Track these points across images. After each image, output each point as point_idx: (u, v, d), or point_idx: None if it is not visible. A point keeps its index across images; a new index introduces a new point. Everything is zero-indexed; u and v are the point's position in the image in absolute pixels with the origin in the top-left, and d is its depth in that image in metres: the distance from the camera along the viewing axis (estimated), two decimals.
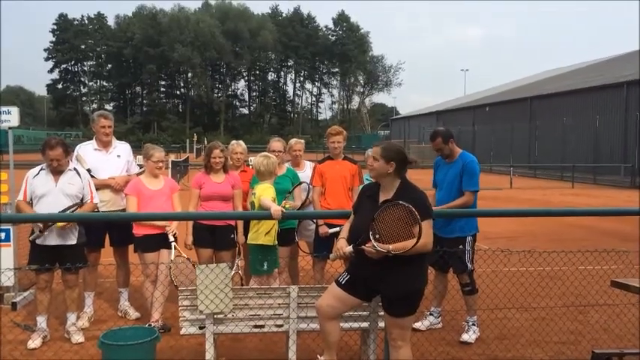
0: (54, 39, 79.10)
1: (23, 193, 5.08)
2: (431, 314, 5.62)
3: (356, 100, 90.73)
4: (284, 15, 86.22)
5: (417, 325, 5.52)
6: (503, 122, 38.47)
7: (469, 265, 5.26)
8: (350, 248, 3.63)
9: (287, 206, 4.97)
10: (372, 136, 68.29)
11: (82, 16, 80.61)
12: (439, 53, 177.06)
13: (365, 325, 4.25)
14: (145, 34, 73.75)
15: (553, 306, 5.64)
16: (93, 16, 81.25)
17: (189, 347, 4.83)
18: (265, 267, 5.00)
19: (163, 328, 5.23)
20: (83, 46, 79.59)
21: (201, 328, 4.18)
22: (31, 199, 5.06)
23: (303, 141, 6.42)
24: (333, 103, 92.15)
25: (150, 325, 5.05)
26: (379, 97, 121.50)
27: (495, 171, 33.87)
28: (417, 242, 3.37)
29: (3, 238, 6.03)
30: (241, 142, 6.44)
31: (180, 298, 4.15)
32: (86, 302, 5.75)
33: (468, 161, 5.30)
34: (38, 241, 4.92)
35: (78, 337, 5.13)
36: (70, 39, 77.49)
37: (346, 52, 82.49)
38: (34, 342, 4.96)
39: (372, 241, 3.44)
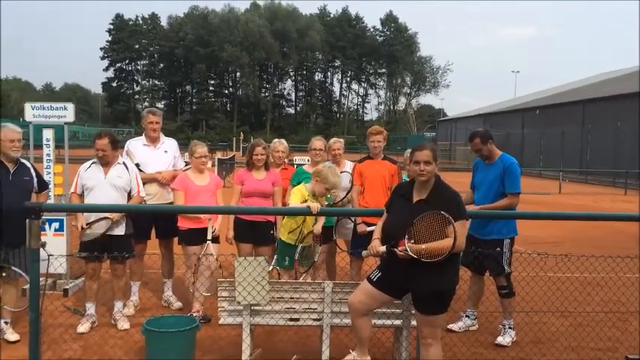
0: (110, 38, 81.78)
1: (75, 186, 5.39)
2: (467, 316, 5.62)
3: (402, 101, 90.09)
4: (332, 15, 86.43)
5: (452, 326, 5.54)
6: (553, 126, 37.47)
7: (506, 268, 5.23)
8: (383, 248, 3.70)
9: (328, 195, 5.29)
10: (418, 137, 67.64)
11: (137, 17, 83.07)
12: (489, 54, 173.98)
13: (398, 322, 4.31)
14: (196, 34, 75.34)
15: (591, 312, 5.53)
16: (147, 17, 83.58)
17: (227, 338, 4.98)
18: (287, 262, 5.22)
19: (204, 318, 5.43)
20: (137, 46, 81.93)
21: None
22: (82, 192, 5.36)
23: (342, 140, 6.51)
24: (379, 104, 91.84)
25: (191, 314, 5.25)
26: (426, 99, 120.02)
27: (545, 175, 33.10)
28: (454, 242, 3.42)
29: (57, 227, 6.37)
30: (283, 140, 6.60)
31: (220, 289, 4.31)
32: (132, 291, 6.02)
33: (509, 163, 5.27)
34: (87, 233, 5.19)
35: (124, 324, 5.38)
36: (124, 39, 79.95)
37: (393, 53, 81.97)
38: (83, 326, 5.25)
39: (407, 242, 3.50)
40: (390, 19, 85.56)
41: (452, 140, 53.44)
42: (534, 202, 16.79)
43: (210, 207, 5.40)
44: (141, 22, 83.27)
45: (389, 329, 4.60)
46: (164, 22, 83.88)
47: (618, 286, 5.13)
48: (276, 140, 6.59)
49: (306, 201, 5.05)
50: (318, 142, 6.13)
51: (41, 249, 3.80)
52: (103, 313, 5.64)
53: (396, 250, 3.55)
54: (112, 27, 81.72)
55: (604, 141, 32.15)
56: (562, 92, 46.68)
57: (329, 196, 5.49)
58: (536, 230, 10.68)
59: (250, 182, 5.72)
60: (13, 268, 4.87)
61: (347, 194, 5.84)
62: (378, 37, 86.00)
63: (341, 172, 5.91)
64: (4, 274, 4.89)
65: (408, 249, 3.48)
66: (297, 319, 4.31)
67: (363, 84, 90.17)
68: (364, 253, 3.90)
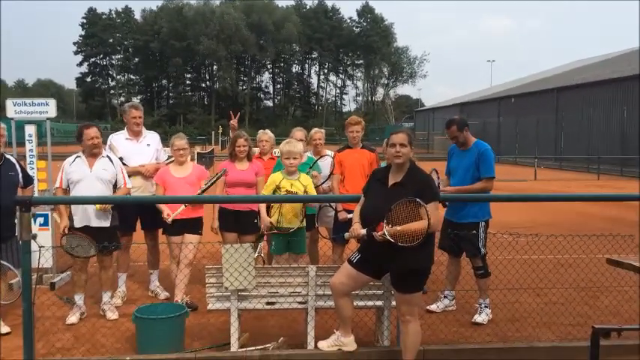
0: (83, 33, 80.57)
1: (60, 181, 5.47)
2: (445, 297, 5.85)
3: (380, 92, 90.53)
4: (308, 7, 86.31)
5: (432, 307, 5.77)
6: (528, 114, 38.11)
7: (482, 250, 5.46)
8: (364, 231, 3.88)
9: (311, 174, 5.65)
10: (396, 127, 68.09)
11: (110, 10, 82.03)
12: (465, 44, 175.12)
13: (379, 303, 4.51)
14: (171, 28, 74.62)
15: (561, 288, 5.81)
16: (120, 10, 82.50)
17: (216, 324, 5.14)
18: (273, 247, 5.54)
19: (190, 306, 5.56)
20: (111, 40, 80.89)
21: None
22: (68, 186, 5.44)
23: (323, 131, 6.69)
24: (357, 95, 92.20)
25: (176, 302, 5.39)
26: (404, 89, 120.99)
27: (520, 163, 33.71)
28: (429, 223, 3.62)
29: (42, 222, 6.44)
30: (267, 130, 6.78)
31: (207, 276, 4.46)
32: (119, 282, 6.13)
33: (484, 149, 5.49)
34: (76, 223, 5.29)
35: (112, 314, 5.50)
36: (98, 33, 78.86)
37: (370, 44, 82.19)
38: (72, 317, 5.36)
39: (385, 226, 3.68)
40: (366, 10, 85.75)
41: (429, 130, 53.95)
42: (510, 189, 17.16)
43: (187, 197, 5.49)
44: (114, 15, 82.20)
45: (371, 311, 4.80)
46: (138, 16, 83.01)
47: (590, 267, 5.39)
48: (261, 131, 6.77)
49: (277, 187, 5.26)
50: (298, 133, 6.31)
51: (33, 241, 3.89)
52: (91, 304, 5.74)
53: (374, 233, 3.74)
54: (84, 21, 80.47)
55: (577, 128, 32.83)
56: (536, 80, 47.41)
57: (313, 175, 5.72)
58: (511, 216, 10.99)
59: (233, 173, 5.87)
60: (1, 262, 4.95)
61: (326, 180, 6.02)
62: (354, 29, 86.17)
63: (320, 157, 6.13)
64: None
65: (386, 233, 3.67)
66: (273, 303, 4.47)
67: (340, 75, 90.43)
68: (346, 235, 4.09)
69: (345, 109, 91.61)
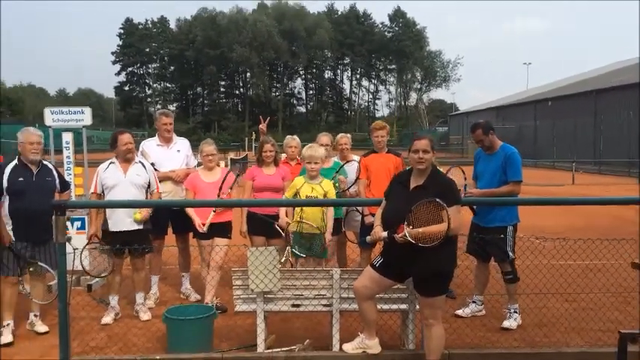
0: (120, 43, 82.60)
1: (94, 186, 5.68)
2: (473, 302, 5.81)
3: (413, 96, 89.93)
4: (339, 13, 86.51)
5: (460, 312, 5.75)
6: (566, 117, 37.32)
7: (510, 254, 5.42)
8: (385, 234, 3.93)
9: (337, 178, 5.78)
10: (429, 132, 67.63)
11: (146, 20, 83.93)
12: (501, 47, 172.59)
13: (403, 307, 4.54)
14: (205, 36, 75.86)
15: (593, 296, 5.71)
16: (156, 20, 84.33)
17: (243, 326, 5.24)
18: (296, 251, 5.54)
19: (220, 308, 5.68)
20: (147, 49, 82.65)
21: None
22: (102, 191, 5.64)
23: (349, 135, 6.75)
24: (390, 100, 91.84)
25: (206, 304, 5.51)
26: (437, 94, 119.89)
27: (558, 167, 32.99)
28: (442, 239, 3.64)
29: (79, 226, 6.67)
30: (295, 137, 6.88)
31: (234, 278, 4.57)
32: (152, 284, 6.30)
33: (510, 152, 5.46)
34: (110, 227, 5.48)
35: (145, 315, 5.67)
36: (135, 42, 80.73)
37: (403, 49, 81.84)
38: (107, 318, 5.55)
39: (406, 228, 3.72)
40: (398, 15, 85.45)
41: (464, 134, 53.30)
42: (547, 194, 16.87)
43: (213, 200, 5.62)
44: (150, 25, 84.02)
45: (397, 314, 4.82)
46: (173, 25, 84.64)
47: (620, 271, 5.29)
48: (289, 137, 6.87)
49: (298, 192, 5.33)
50: (324, 138, 6.40)
51: (68, 243, 4.06)
52: (124, 305, 5.92)
53: (395, 235, 3.78)
54: (122, 31, 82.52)
55: (617, 131, 31.99)
56: (574, 83, 46.43)
57: (336, 185, 5.78)
58: (546, 220, 10.82)
59: (261, 178, 5.98)
60: (39, 263, 5.16)
61: (353, 184, 6.07)
62: (386, 33, 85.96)
63: (347, 162, 6.20)
64: (31, 270, 5.18)
65: (407, 234, 3.70)
66: (298, 305, 4.54)
67: (373, 80, 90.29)
68: (368, 238, 4.15)
69: (378, 114, 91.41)
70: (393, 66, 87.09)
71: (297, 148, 6.58)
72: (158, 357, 4.37)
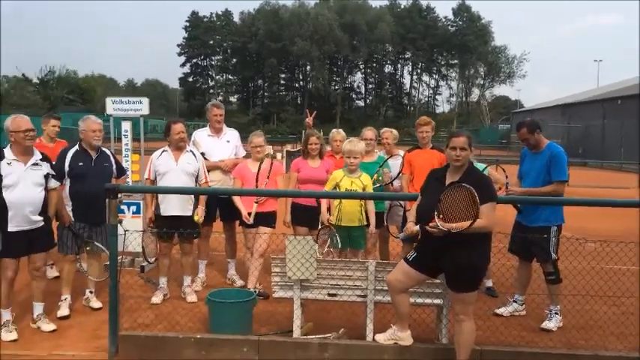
0: (186, 35, 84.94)
1: (148, 172, 6.00)
2: (514, 301, 5.76)
3: (476, 92, 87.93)
4: (402, 7, 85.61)
5: (500, 310, 5.72)
6: (636, 117, 35.58)
7: (553, 255, 5.34)
8: (417, 227, 3.99)
9: (379, 177, 5.88)
10: (491, 129, 66.06)
11: (211, 14, 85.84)
12: (571, 43, 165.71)
13: (437, 301, 4.57)
14: (267, 29, 76.86)
15: (630, 296, 5.53)
16: (220, 13, 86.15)
17: (283, 313, 5.41)
18: (335, 242, 5.66)
19: (261, 294, 5.89)
20: (211, 42, 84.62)
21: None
22: (155, 178, 5.95)
23: (393, 130, 6.80)
24: (451, 95, 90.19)
25: (248, 289, 5.73)
26: (501, 90, 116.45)
27: (625, 169, 31.55)
28: (472, 223, 3.66)
29: (135, 210, 7.03)
30: (340, 130, 6.98)
31: (272, 265, 4.74)
32: (200, 269, 6.59)
33: (556, 152, 5.37)
34: (161, 211, 5.79)
35: (192, 297, 5.95)
36: (200, 35, 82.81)
37: (466, 43, 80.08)
38: (156, 298, 5.87)
39: (436, 219, 3.78)
40: (462, 9, 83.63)
41: None
42: (609, 197, 16.21)
43: (259, 190, 5.84)
44: (215, 18, 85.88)
45: (432, 309, 4.86)
46: (237, 18, 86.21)
47: None
48: (334, 130, 6.99)
49: (337, 185, 5.42)
50: (368, 132, 6.46)
51: (119, 225, 4.34)
52: (174, 287, 6.22)
53: (426, 227, 3.83)
54: (187, 24, 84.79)
55: None
56: None
57: (380, 178, 5.86)
58: (595, 222, 10.46)
59: (306, 170, 6.13)
60: (96, 243, 5.51)
61: (394, 179, 6.13)
62: (449, 28, 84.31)
63: (391, 156, 6.26)
64: (88, 249, 5.54)
65: (438, 224, 3.75)
66: (334, 295, 4.67)
67: (434, 75, 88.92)
68: (401, 235, 4.23)
69: (439, 110, 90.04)
70: (456, 61, 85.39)
71: (342, 141, 6.67)
72: (198, 335, 4.60)
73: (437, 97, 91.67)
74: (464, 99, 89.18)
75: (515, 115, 67.33)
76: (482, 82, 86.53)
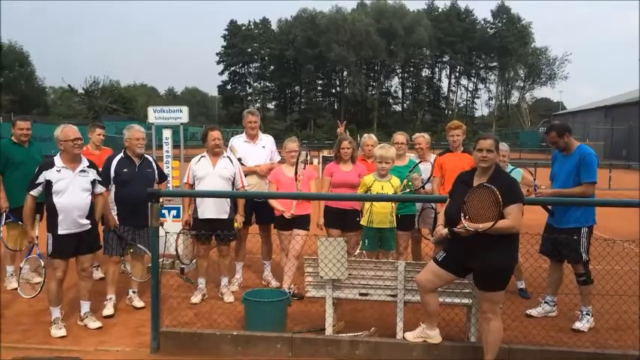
0: (225, 44, 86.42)
1: (187, 177, 6.28)
2: (546, 302, 5.79)
3: (515, 95, 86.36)
4: (440, 10, 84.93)
5: (531, 311, 5.76)
6: None
7: (584, 256, 5.35)
8: (446, 230, 4.11)
9: (409, 183, 6.00)
10: (530, 133, 64.77)
11: (249, 22, 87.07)
12: (617, 43, 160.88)
13: (466, 301, 4.67)
14: (305, 36, 77.43)
15: None
16: (258, 21, 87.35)
17: (317, 313, 5.57)
18: (367, 244, 5.85)
19: (296, 295, 6.08)
20: (249, 50, 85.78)
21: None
22: (194, 182, 6.22)
23: (425, 135, 6.89)
24: (489, 98, 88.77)
25: (283, 289, 5.92)
26: (542, 92, 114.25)
27: None
28: (494, 223, 3.76)
29: (175, 214, 7.34)
30: (372, 135, 7.13)
31: (305, 266, 4.93)
32: (236, 270, 6.83)
33: (586, 154, 5.39)
34: (199, 214, 6.05)
35: (229, 297, 6.18)
36: (238, 43, 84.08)
37: (506, 45, 78.77)
38: (195, 298, 6.13)
39: (463, 220, 3.89)
40: (501, 11, 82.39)
41: None
42: None
43: (292, 193, 6.04)
44: (253, 26, 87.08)
45: (461, 309, 4.96)
46: (274, 26, 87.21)
47: None
48: (366, 135, 7.15)
49: (369, 189, 5.57)
50: (400, 137, 6.59)
51: (160, 227, 4.60)
52: (211, 288, 6.47)
53: (455, 229, 3.95)
54: (226, 33, 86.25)
55: None
56: None
57: (409, 183, 5.98)
58: (627, 223, 10.24)
59: (338, 174, 6.29)
60: (139, 245, 5.81)
61: (425, 183, 6.24)
62: (488, 30, 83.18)
63: (419, 162, 6.37)
64: (131, 251, 5.85)
65: (466, 225, 3.87)
66: (365, 294, 4.82)
67: (472, 79, 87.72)
68: (432, 239, 4.35)
69: (477, 114, 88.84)
70: (495, 63, 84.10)
71: (373, 146, 6.83)
72: (235, 332, 4.81)
73: (475, 100, 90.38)
74: (503, 102, 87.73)
75: (555, 118, 65.85)
76: (522, 85, 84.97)
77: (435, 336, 4.49)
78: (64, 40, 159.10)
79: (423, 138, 6.75)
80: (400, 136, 6.60)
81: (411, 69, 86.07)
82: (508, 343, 4.56)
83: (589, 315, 5.39)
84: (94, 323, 5.39)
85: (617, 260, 5.04)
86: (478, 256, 3.99)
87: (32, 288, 5.54)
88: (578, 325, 5.35)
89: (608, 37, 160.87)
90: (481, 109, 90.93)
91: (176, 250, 5.86)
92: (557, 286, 5.77)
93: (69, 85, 55.91)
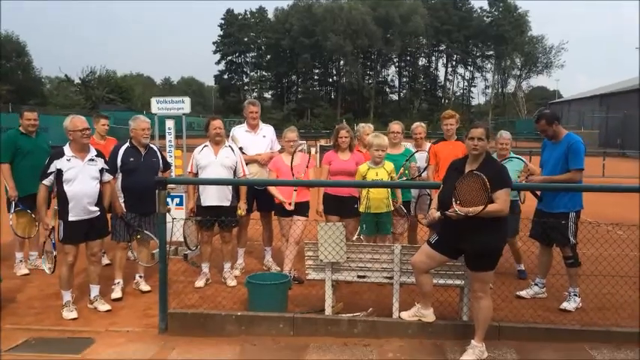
0: (221, 33, 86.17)
1: (191, 166, 6.51)
2: (535, 284, 6.05)
3: (512, 83, 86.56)
4: None
5: (522, 293, 6.02)
6: None
7: (571, 239, 5.60)
8: (438, 213, 4.36)
9: (406, 171, 6.23)
10: (527, 121, 64.97)
11: (245, 11, 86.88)
12: (613, 31, 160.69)
13: (459, 282, 4.92)
14: (301, 25, 77.25)
15: None
16: (255, 10, 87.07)
17: (317, 295, 5.79)
18: (365, 229, 6.10)
19: (297, 279, 6.33)
20: (246, 39, 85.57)
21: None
22: (197, 171, 6.44)
23: (424, 125, 7.12)
24: (486, 87, 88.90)
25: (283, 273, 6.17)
26: (539, 80, 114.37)
27: None
28: (484, 207, 4.00)
29: (178, 202, 7.56)
30: (370, 124, 7.34)
31: (306, 250, 5.17)
32: (238, 255, 7.07)
33: (574, 141, 5.62)
34: (202, 202, 6.27)
35: (231, 282, 6.43)
36: (234, 32, 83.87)
37: (502, 34, 78.80)
38: (200, 282, 6.37)
39: (454, 205, 4.14)
40: None
41: (563, 123, 50.86)
42: None
43: (291, 180, 6.27)
44: (249, 16, 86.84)
45: (455, 291, 5.21)
46: (271, 15, 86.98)
47: None
48: (362, 124, 7.37)
49: (364, 177, 5.81)
50: (395, 126, 6.81)
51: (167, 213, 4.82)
52: (215, 273, 6.71)
53: (446, 212, 4.20)
54: (223, 22, 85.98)
55: None
56: None
57: (406, 172, 6.21)
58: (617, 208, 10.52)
59: (336, 162, 6.51)
60: (145, 232, 6.04)
61: (422, 172, 6.47)
62: (485, 18, 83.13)
63: (416, 151, 6.59)
64: (138, 237, 6.07)
65: (457, 209, 4.11)
66: (363, 276, 5.07)
67: (469, 67, 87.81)
68: (425, 222, 4.59)
69: (474, 102, 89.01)
70: (491, 52, 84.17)
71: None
72: (239, 313, 5.06)
73: (472, 89, 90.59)
74: (500, 90, 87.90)
75: (551, 106, 66.07)
76: (518, 73, 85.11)
77: (429, 315, 4.75)
78: (61, 30, 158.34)
79: (422, 127, 6.98)
80: (396, 126, 6.83)
81: (408, 58, 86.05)
82: (498, 321, 4.82)
83: (576, 296, 5.66)
84: (103, 306, 5.63)
85: (602, 243, 5.29)
86: (469, 238, 4.23)
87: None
88: (565, 305, 5.61)
89: (606, 25, 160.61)
90: (478, 98, 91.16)
91: (184, 236, 6.08)
92: (547, 269, 6.03)
93: (66, 75, 55.79)
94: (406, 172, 6.39)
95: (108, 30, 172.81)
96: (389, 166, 6.01)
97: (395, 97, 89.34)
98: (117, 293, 5.97)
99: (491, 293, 4.54)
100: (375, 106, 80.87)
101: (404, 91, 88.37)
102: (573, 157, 5.52)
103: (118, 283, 6.07)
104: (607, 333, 4.68)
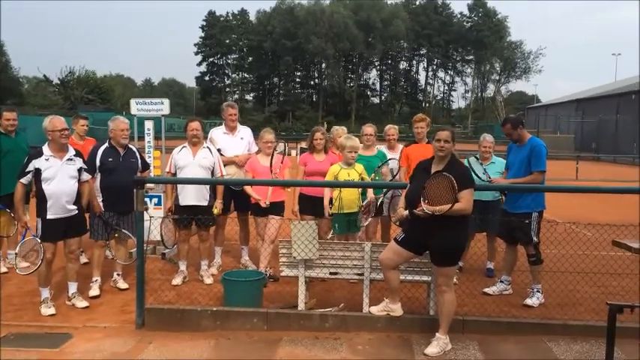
0: (203, 34, 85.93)
1: (169, 166, 6.64)
2: (501, 281, 6.31)
3: (491, 88, 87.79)
4: (417, 3, 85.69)
5: (488, 289, 6.27)
6: None
7: (534, 238, 5.87)
8: (406, 212, 4.58)
9: (382, 170, 6.43)
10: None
11: (227, 13, 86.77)
12: (590, 37, 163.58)
13: (425, 278, 5.14)
14: (283, 28, 77.44)
15: (621, 280, 6.02)
16: (236, 12, 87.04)
17: (291, 292, 5.97)
18: (337, 228, 6.26)
19: (272, 277, 6.50)
20: (227, 41, 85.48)
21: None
22: (175, 171, 6.59)
23: (396, 127, 7.36)
24: (466, 91, 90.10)
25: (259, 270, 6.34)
26: (518, 85, 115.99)
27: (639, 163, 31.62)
28: (451, 206, 4.24)
29: (156, 202, 7.68)
30: (343, 127, 7.55)
31: (280, 247, 5.35)
32: (216, 254, 7.22)
33: (536, 144, 5.90)
34: (180, 201, 6.42)
35: (208, 280, 6.58)
36: (216, 34, 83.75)
37: (482, 39, 79.99)
38: (177, 280, 6.51)
39: (423, 204, 4.36)
40: (477, 5, 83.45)
41: (539, 127, 51.81)
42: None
43: (267, 180, 6.46)
44: (231, 17, 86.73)
45: (422, 287, 5.44)
46: (253, 17, 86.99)
47: None
48: (336, 127, 7.57)
49: (336, 178, 6.02)
50: (368, 128, 7.02)
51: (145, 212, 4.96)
52: (192, 271, 6.85)
53: (414, 211, 4.42)
54: (204, 23, 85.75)
55: None
56: None
57: (377, 177, 6.42)
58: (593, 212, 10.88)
59: (312, 164, 6.71)
60: (123, 230, 6.16)
61: (396, 175, 6.69)
62: (465, 24, 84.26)
63: (390, 159, 6.80)
64: (116, 235, 6.19)
65: (425, 209, 4.34)
66: (335, 273, 5.27)
67: (449, 72, 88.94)
68: (393, 219, 4.80)
69: (454, 106, 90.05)
70: (471, 57, 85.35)
71: None
72: (215, 308, 5.22)
73: (452, 93, 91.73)
74: (479, 95, 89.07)
75: (529, 111, 67.17)
76: (497, 78, 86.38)
77: (397, 309, 4.97)
78: (40, 30, 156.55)
79: (394, 129, 7.21)
80: (369, 128, 7.04)
81: (389, 61, 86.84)
82: (463, 315, 5.06)
83: (539, 292, 5.92)
84: (81, 303, 5.74)
85: (564, 245, 5.55)
86: (435, 235, 4.46)
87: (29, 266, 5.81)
88: (528, 301, 5.87)
89: (584, 31, 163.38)
90: (458, 102, 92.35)
91: (161, 235, 6.21)
92: (512, 267, 6.29)
93: (44, 76, 55.22)
94: (377, 177, 6.55)
95: (88, 30, 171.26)
96: (359, 167, 6.22)
97: (376, 100, 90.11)
98: (95, 291, 6.07)
99: (457, 289, 4.78)
100: (356, 109, 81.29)
101: (385, 95, 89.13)
102: (536, 160, 5.79)
103: (96, 280, 6.17)
104: (565, 326, 4.94)
